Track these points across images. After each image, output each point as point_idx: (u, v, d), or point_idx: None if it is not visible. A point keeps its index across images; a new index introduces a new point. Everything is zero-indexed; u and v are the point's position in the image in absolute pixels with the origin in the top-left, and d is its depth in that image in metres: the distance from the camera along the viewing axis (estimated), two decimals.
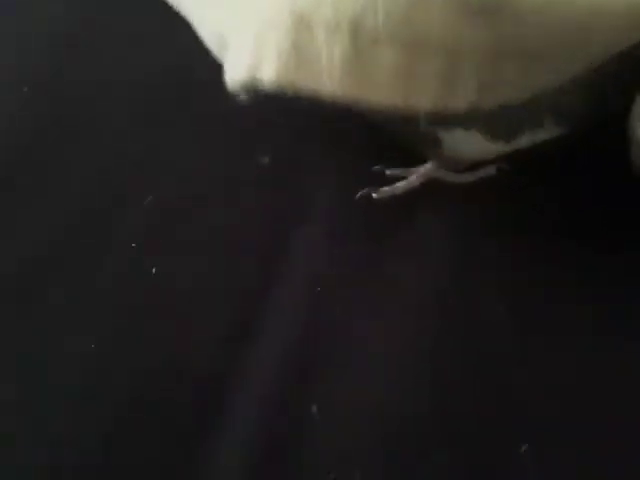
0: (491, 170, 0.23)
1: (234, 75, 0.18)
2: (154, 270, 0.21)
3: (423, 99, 0.17)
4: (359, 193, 0.23)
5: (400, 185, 0.23)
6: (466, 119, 0.19)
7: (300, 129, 0.25)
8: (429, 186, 0.23)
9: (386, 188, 0.23)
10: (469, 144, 0.21)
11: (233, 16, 0.19)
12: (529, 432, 0.19)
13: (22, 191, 0.24)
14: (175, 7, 0.26)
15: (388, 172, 0.24)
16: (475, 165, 0.23)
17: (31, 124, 0.25)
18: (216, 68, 0.20)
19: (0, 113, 0.26)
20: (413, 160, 0.23)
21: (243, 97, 0.19)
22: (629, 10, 0.17)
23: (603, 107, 0.21)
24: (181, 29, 0.23)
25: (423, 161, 0.23)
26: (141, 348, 0.20)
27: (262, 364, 0.20)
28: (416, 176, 0.23)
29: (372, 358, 0.20)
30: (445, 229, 0.23)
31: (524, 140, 0.21)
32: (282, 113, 0.24)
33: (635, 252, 0.22)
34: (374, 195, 0.23)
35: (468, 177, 0.23)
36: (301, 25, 0.16)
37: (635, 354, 0.20)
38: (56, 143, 0.25)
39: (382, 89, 0.17)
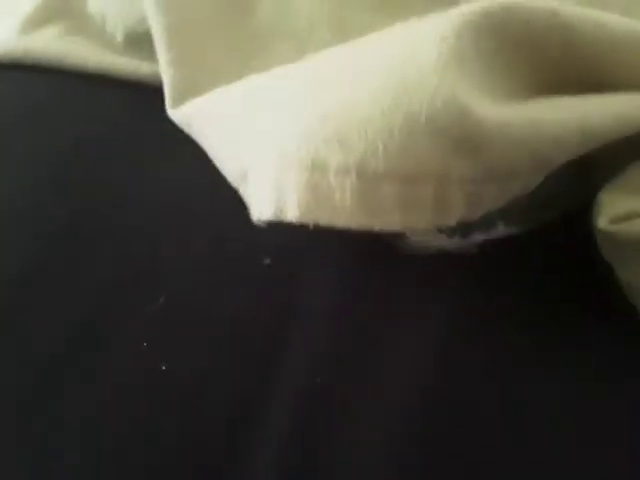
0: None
1: (259, 213, 0.21)
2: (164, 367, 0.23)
3: (422, 220, 0.20)
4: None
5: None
6: None
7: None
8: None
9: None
10: (429, 237, 0.24)
11: (251, 152, 0.22)
12: None
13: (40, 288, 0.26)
14: (183, 127, 0.29)
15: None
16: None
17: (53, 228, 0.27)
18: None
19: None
20: None
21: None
22: (583, 135, 0.21)
23: (556, 207, 0.24)
24: None
25: None
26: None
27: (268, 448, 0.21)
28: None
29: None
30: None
31: (479, 237, 0.24)
32: None
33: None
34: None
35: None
36: (315, 167, 0.19)
37: None
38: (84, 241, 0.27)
39: (387, 216, 0.20)
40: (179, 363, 0.23)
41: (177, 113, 0.29)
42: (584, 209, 0.23)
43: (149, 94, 0.32)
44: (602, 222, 0.22)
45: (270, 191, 0.21)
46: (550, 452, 0.21)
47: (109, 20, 0.35)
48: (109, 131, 0.32)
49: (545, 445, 0.21)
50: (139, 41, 0.34)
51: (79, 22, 0.35)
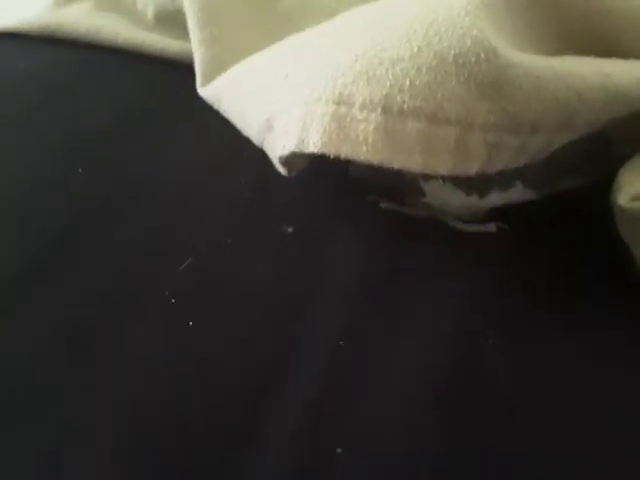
0: (491, 227, 0.25)
1: (282, 148, 0.21)
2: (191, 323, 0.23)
3: (442, 163, 0.20)
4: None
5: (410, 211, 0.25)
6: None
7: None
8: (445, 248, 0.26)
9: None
10: (446, 195, 0.24)
11: (281, 99, 0.22)
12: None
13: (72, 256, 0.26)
14: (213, 104, 0.30)
15: (383, 205, 0.26)
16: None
17: (84, 203, 0.28)
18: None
19: (59, 192, 0.29)
20: None
21: (285, 171, 0.22)
22: (606, 93, 0.21)
23: (572, 177, 0.24)
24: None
25: None
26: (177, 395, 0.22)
27: (286, 417, 0.21)
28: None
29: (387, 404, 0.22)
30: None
31: (496, 198, 0.24)
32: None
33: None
34: (382, 205, 0.25)
35: (469, 227, 0.26)
36: (341, 101, 0.20)
37: None
38: (104, 219, 0.27)
39: (409, 155, 0.20)
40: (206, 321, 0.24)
41: (207, 90, 0.30)
42: (602, 185, 0.23)
43: (178, 71, 0.34)
44: (622, 199, 0.22)
45: (296, 124, 0.21)
46: (564, 412, 0.21)
47: None
48: (137, 107, 0.33)
49: (560, 406, 0.21)
50: (169, 19, 0.34)
51: None
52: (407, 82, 0.19)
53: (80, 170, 0.29)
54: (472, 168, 0.21)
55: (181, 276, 0.25)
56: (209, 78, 0.31)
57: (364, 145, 0.20)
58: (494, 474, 0.20)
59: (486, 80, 0.19)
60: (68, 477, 0.20)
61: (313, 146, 0.20)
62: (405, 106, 0.19)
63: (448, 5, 0.20)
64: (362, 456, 0.21)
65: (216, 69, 0.30)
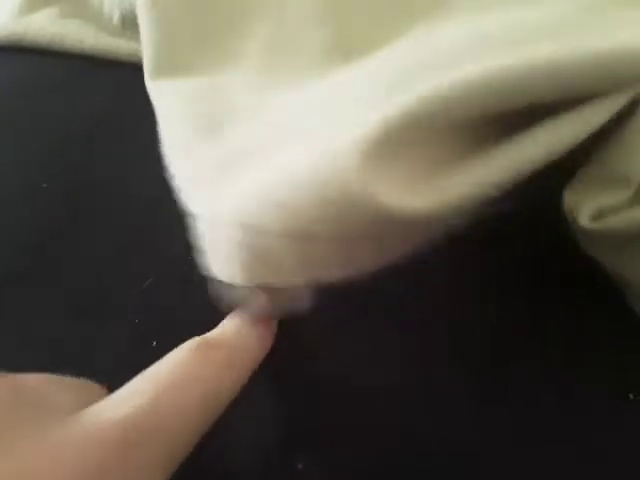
0: None
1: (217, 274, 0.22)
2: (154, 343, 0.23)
3: (364, 266, 0.21)
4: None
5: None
6: None
7: None
8: None
9: None
10: None
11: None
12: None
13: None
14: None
15: None
16: None
17: (47, 218, 0.28)
18: None
19: (24, 206, 0.28)
20: None
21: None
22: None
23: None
24: None
25: None
26: None
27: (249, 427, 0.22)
28: None
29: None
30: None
31: None
32: None
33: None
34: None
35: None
36: (258, 231, 0.21)
37: None
38: (72, 235, 0.27)
39: (329, 270, 0.21)
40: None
41: (154, 86, 0.29)
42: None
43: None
44: (583, 220, 0.22)
45: (223, 256, 0.22)
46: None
47: (106, 2, 0.35)
48: (106, 110, 0.33)
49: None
50: (135, 24, 0.33)
51: (76, 4, 0.36)
52: (318, 215, 0.20)
53: (44, 185, 0.28)
54: (394, 258, 0.22)
55: (145, 294, 0.25)
56: (159, 68, 0.30)
57: (287, 271, 0.21)
58: None
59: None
60: None
61: (241, 280, 0.21)
62: (320, 235, 0.20)
63: (356, 126, 0.20)
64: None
65: (165, 58, 0.30)
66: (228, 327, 0.21)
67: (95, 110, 0.33)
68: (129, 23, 0.34)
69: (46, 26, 0.34)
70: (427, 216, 0.20)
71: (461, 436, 0.22)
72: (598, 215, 0.22)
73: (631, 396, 0.22)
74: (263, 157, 0.23)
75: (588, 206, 0.22)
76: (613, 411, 0.22)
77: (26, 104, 0.33)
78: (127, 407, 0.16)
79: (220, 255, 0.22)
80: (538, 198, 0.24)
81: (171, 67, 0.29)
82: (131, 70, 0.34)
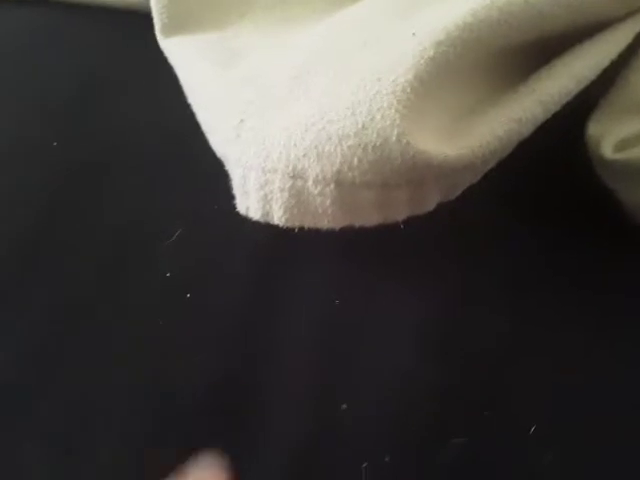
0: None
1: (246, 210, 0.23)
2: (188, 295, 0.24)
3: (400, 214, 0.22)
4: None
5: None
6: None
7: None
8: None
9: None
10: None
11: (236, 145, 0.22)
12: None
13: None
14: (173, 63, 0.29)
15: None
16: None
17: (63, 175, 0.27)
18: None
19: (36, 164, 0.28)
20: None
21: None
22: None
23: None
24: None
25: None
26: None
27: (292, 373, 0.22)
28: None
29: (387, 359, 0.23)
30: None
31: None
32: None
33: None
34: None
35: None
36: (296, 174, 0.21)
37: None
38: (87, 190, 0.27)
39: (368, 216, 0.21)
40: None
41: (169, 44, 0.29)
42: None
43: (140, 22, 0.32)
44: (606, 151, 0.22)
45: (256, 194, 0.22)
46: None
47: None
48: (104, 62, 0.32)
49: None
50: None
51: None
52: (355, 160, 0.20)
53: (55, 144, 0.28)
54: (429, 208, 0.22)
55: (173, 248, 0.25)
56: (167, 24, 0.29)
57: (324, 217, 0.21)
58: (492, 426, 0.21)
59: None
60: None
61: (278, 220, 0.22)
62: (357, 180, 0.20)
63: (390, 70, 0.20)
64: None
65: (174, 14, 0.29)
66: None
67: (97, 60, 0.32)
68: None
69: None
70: (464, 161, 0.20)
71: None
72: (621, 146, 0.22)
73: None
74: (291, 91, 0.22)
75: (612, 136, 0.22)
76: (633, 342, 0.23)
77: (25, 58, 0.32)
78: None
79: (256, 198, 0.22)
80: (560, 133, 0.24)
81: (181, 26, 0.29)
82: (129, 17, 0.33)
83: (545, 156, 0.25)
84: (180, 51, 0.28)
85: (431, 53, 0.20)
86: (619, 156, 0.22)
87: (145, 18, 0.30)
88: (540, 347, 0.23)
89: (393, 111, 0.19)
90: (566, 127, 0.23)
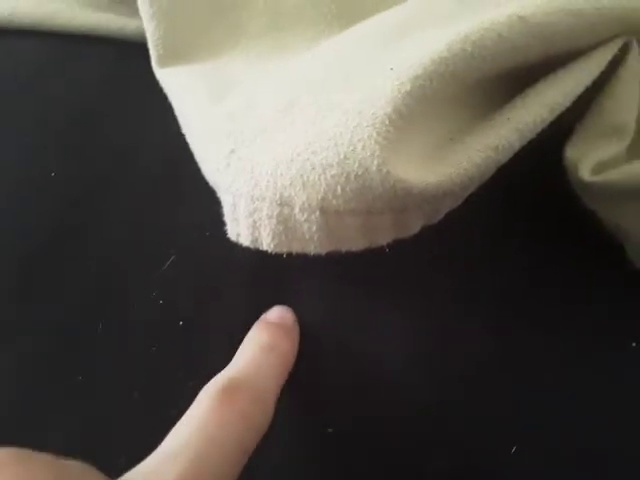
0: None
1: (236, 237, 0.23)
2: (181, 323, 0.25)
3: (383, 239, 0.22)
4: None
5: None
6: None
7: None
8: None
9: None
10: None
11: (225, 173, 0.23)
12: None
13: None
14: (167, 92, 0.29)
15: None
16: None
17: (59, 205, 0.28)
18: None
19: (34, 195, 0.29)
20: None
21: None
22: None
23: None
24: None
25: None
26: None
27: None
28: None
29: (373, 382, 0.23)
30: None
31: None
32: None
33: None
34: None
35: None
36: (283, 202, 0.21)
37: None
38: (82, 218, 0.28)
39: (353, 241, 0.22)
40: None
41: (164, 74, 0.30)
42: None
43: (136, 51, 0.33)
44: (584, 174, 0.23)
45: (246, 220, 0.22)
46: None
47: None
48: (99, 91, 0.33)
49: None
50: None
51: None
52: (339, 189, 0.20)
53: (53, 174, 0.29)
54: (413, 232, 0.23)
55: (166, 275, 0.25)
56: (163, 55, 0.30)
57: (311, 242, 0.22)
58: (474, 446, 0.22)
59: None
60: None
61: (266, 246, 0.22)
62: (341, 208, 0.21)
63: (370, 104, 0.20)
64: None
65: (170, 46, 0.30)
66: (243, 362, 0.22)
67: (91, 89, 0.32)
68: None
69: (34, 6, 0.33)
70: (443, 188, 0.21)
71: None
72: (598, 169, 0.23)
73: (634, 344, 0.23)
74: (277, 122, 0.23)
75: (588, 159, 0.23)
76: (615, 359, 0.24)
77: (21, 88, 0.33)
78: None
79: (245, 224, 0.22)
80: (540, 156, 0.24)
81: (176, 57, 0.30)
82: (122, 45, 0.34)
83: (530, 177, 0.26)
84: (174, 81, 0.28)
85: (408, 87, 0.20)
86: (597, 178, 0.23)
87: (144, 48, 0.31)
88: (523, 368, 0.24)
89: (373, 142, 0.20)
90: (549, 149, 0.24)
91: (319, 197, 0.21)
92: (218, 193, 0.25)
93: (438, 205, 0.23)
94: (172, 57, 0.30)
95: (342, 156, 0.20)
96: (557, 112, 0.22)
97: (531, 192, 0.27)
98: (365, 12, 0.28)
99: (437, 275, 0.26)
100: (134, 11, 0.33)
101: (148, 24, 0.30)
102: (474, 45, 0.21)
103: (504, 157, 0.22)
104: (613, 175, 0.22)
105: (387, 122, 0.20)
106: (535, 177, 0.26)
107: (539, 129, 0.22)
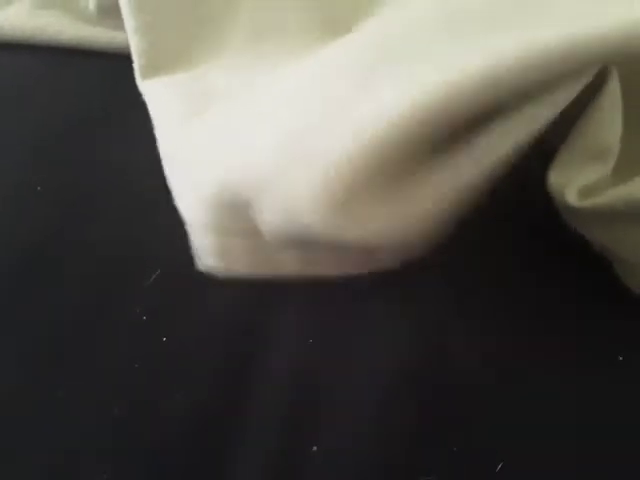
0: None
1: (209, 270, 0.24)
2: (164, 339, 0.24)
3: (357, 270, 0.23)
4: None
5: None
6: None
7: None
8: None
9: None
10: None
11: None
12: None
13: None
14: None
15: None
16: None
17: (44, 220, 0.28)
18: None
19: (18, 211, 0.28)
20: None
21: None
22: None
23: None
24: None
25: None
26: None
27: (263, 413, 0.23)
28: None
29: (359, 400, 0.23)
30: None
31: None
32: None
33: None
34: None
35: None
36: (253, 233, 0.22)
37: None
38: (67, 232, 0.28)
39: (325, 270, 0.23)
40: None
41: (147, 87, 0.30)
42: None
43: (125, 64, 0.33)
44: (571, 199, 0.22)
45: (215, 253, 0.23)
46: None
47: None
48: (88, 104, 0.33)
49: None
50: (111, 11, 0.33)
51: None
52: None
53: (39, 188, 0.28)
54: (393, 266, 0.23)
55: (150, 290, 0.25)
56: (146, 67, 0.31)
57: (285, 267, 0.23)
58: (460, 464, 0.21)
59: None
60: None
61: (240, 272, 0.23)
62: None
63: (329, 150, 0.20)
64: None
65: (153, 58, 0.30)
66: None
67: (81, 103, 0.32)
68: (105, 10, 0.34)
69: (24, 19, 0.33)
70: (407, 230, 0.21)
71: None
72: (584, 193, 0.23)
73: (620, 358, 0.23)
74: (244, 148, 0.23)
75: (574, 184, 0.23)
76: (604, 372, 0.24)
77: (10, 101, 0.32)
78: None
79: (215, 256, 0.23)
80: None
81: (160, 68, 0.30)
82: (111, 59, 0.34)
83: (522, 195, 0.26)
84: (153, 95, 0.28)
85: (369, 141, 0.20)
86: (584, 203, 0.22)
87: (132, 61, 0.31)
88: (510, 384, 0.23)
89: (325, 206, 0.20)
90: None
91: (273, 230, 0.21)
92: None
93: (409, 245, 0.22)
94: (155, 69, 0.30)
95: (290, 201, 0.20)
96: (523, 145, 0.22)
97: (526, 210, 0.27)
98: (349, 25, 0.27)
99: (421, 296, 0.26)
100: (122, 25, 0.33)
101: (132, 37, 0.31)
102: (439, 107, 0.20)
103: (468, 195, 0.22)
104: (599, 199, 0.22)
105: (344, 173, 0.20)
106: (526, 196, 0.26)
107: (502, 167, 0.22)
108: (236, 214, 0.22)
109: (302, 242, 0.21)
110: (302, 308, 0.25)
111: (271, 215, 0.21)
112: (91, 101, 0.33)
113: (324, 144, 0.20)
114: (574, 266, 0.26)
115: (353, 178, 0.20)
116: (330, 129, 0.21)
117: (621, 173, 0.23)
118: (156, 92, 0.28)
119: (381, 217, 0.21)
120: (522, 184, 0.24)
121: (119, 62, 0.33)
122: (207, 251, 0.23)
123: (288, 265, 0.22)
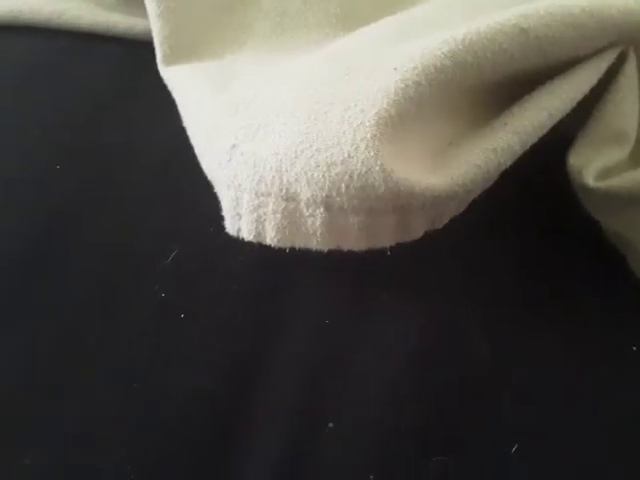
0: None
1: (236, 231, 0.24)
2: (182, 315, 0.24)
3: (385, 241, 0.23)
4: None
5: None
6: None
7: None
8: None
9: None
10: None
11: (226, 168, 0.23)
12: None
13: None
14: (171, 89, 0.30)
15: None
16: None
17: (63, 201, 0.28)
18: None
19: (40, 184, 0.29)
20: None
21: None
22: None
23: None
24: None
25: None
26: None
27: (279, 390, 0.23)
28: None
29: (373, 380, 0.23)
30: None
31: None
32: None
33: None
34: None
35: None
36: (288, 197, 0.22)
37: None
38: (85, 210, 0.28)
39: (355, 241, 0.22)
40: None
41: (168, 73, 0.30)
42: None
43: (144, 51, 0.33)
44: (588, 180, 0.23)
45: (249, 216, 0.23)
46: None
47: None
48: (106, 90, 0.33)
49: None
50: None
51: None
52: (343, 187, 0.21)
53: (58, 167, 0.29)
54: (415, 237, 0.23)
55: (168, 269, 0.25)
56: (169, 54, 0.31)
57: (314, 238, 0.22)
58: (475, 445, 0.22)
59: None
60: None
61: (270, 241, 0.23)
62: (345, 205, 0.21)
63: (373, 103, 0.21)
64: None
65: (176, 45, 0.31)
66: None
67: (97, 89, 0.33)
68: None
69: (43, 3, 0.34)
70: (445, 189, 0.21)
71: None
72: (602, 175, 0.23)
73: (634, 348, 0.24)
74: (277, 116, 0.23)
75: (592, 165, 0.23)
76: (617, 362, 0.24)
77: (27, 85, 0.33)
78: None
79: (249, 219, 0.23)
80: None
81: (182, 56, 0.30)
82: (130, 44, 0.34)
83: (530, 185, 0.26)
84: (178, 78, 0.29)
85: (411, 92, 0.21)
86: (601, 184, 0.23)
87: (150, 47, 0.32)
88: (524, 373, 0.24)
89: (377, 142, 0.20)
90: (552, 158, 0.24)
91: (323, 194, 0.21)
92: (216, 188, 0.25)
93: (442, 208, 0.23)
94: (177, 56, 0.31)
95: (346, 155, 0.21)
96: (556, 118, 0.22)
97: (531, 201, 0.27)
98: (369, 16, 0.28)
99: (435, 283, 0.26)
100: (141, 11, 0.33)
101: (154, 23, 0.31)
102: (475, 55, 0.21)
103: (505, 160, 0.22)
104: (616, 181, 0.23)
105: (390, 123, 0.21)
106: (539, 187, 0.27)
107: (539, 134, 0.22)
108: (270, 179, 0.22)
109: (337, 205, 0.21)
110: (317, 292, 0.25)
111: (312, 170, 0.21)
112: (108, 86, 0.33)
113: (369, 95, 0.21)
114: (589, 257, 0.26)
115: (402, 109, 0.21)
116: (372, 69, 0.22)
117: (638, 159, 0.23)
118: (181, 75, 0.29)
119: (425, 173, 0.21)
120: (541, 168, 0.25)
121: (137, 48, 0.34)
122: (238, 213, 0.23)
123: (317, 234, 0.22)
